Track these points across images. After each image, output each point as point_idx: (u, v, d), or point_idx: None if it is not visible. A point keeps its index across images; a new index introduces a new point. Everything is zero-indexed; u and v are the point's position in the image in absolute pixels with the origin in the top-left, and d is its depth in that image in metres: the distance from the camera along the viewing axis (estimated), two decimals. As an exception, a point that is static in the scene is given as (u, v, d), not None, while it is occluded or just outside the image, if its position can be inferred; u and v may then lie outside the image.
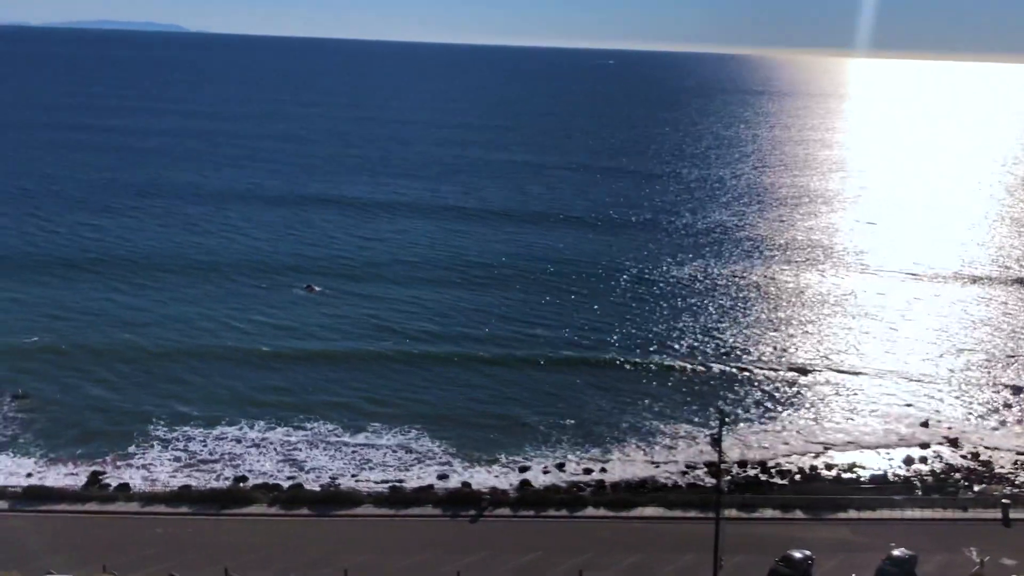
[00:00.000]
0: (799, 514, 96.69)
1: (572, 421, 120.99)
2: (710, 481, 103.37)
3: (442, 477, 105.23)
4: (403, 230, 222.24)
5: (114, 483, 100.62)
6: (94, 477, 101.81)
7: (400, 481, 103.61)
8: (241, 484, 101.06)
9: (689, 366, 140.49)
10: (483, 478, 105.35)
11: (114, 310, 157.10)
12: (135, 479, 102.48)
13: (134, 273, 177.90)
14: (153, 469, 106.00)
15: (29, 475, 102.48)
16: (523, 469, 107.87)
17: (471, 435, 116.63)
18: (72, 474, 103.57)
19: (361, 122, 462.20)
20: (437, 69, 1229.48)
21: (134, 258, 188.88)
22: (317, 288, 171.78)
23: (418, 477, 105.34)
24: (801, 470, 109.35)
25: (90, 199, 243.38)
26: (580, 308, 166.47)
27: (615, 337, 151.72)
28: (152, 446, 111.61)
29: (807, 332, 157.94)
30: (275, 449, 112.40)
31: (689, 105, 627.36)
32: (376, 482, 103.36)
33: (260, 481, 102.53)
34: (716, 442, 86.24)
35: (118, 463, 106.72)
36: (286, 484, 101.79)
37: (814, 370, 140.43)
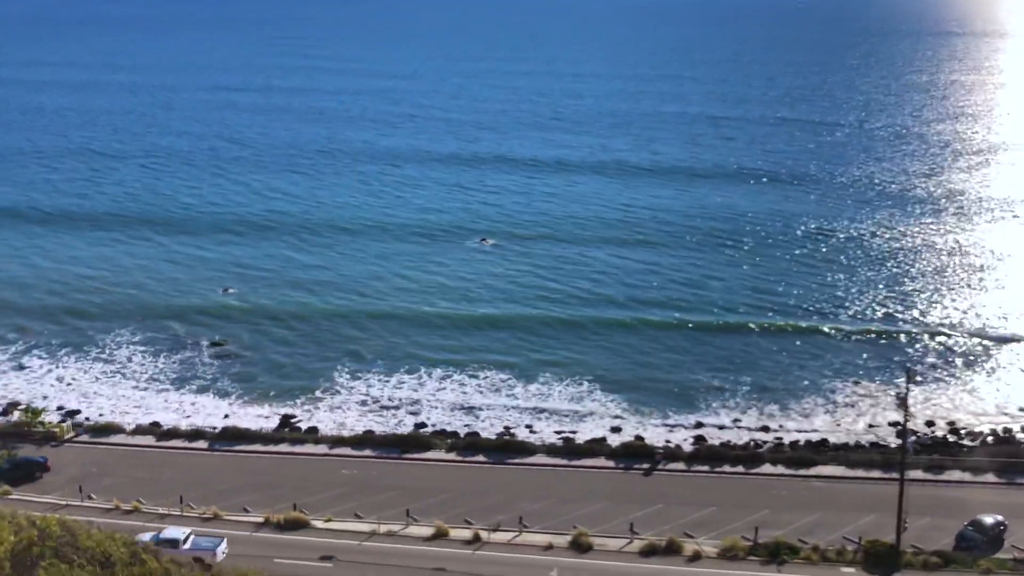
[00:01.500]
0: (990, 478, 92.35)
1: (748, 378, 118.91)
2: (894, 441, 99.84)
3: (615, 430, 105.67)
4: (573, 187, 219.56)
5: (304, 426, 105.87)
6: (285, 420, 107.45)
7: (573, 432, 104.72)
8: (421, 430, 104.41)
9: (872, 326, 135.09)
10: (656, 432, 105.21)
11: (293, 269, 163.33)
12: (323, 423, 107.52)
13: (313, 233, 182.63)
14: (338, 414, 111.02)
15: (226, 416, 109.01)
16: (697, 425, 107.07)
17: (643, 391, 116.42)
18: (264, 416, 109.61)
19: (531, 76, 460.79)
20: (609, 16, 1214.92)
21: (312, 217, 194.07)
22: (490, 241, 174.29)
23: (591, 430, 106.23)
24: (994, 432, 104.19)
25: (272, 160, 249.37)
26: (756, 266, 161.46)
27: (792, 295, 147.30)
28: (337, 392, 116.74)
29: (1000, 292, 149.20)
30: (451, 399, 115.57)
31: (880, 48, 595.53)
32: (549, 433, 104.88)
33: (438, 428, 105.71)
34: (902, 401, 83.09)
35: (306, 407, 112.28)
36: (463, 432, 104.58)
37: (1009, 334, 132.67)
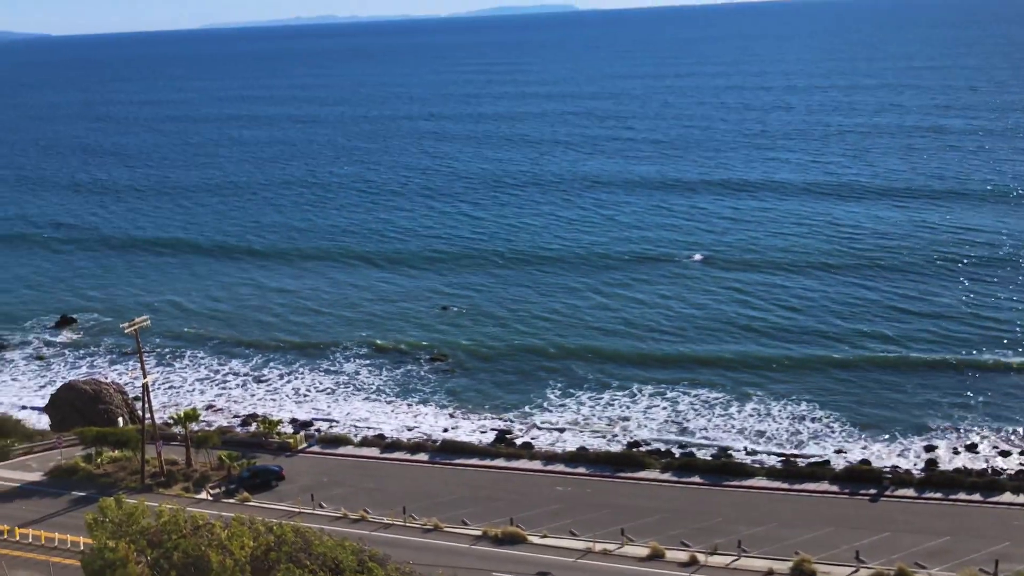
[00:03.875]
0: None
1: (981, 400, 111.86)
2: None
3: (839, 453, 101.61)
4: (783, 205, 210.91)
5: (519, 441, 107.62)
6: (501, 435, 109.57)
7: (794, 454, 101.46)
8: (634, 449, 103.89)
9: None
10: (883, 456, 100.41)
11: (504, 290, 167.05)
12: (537, 439, 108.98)
13: (523, 257, 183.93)
14: (553, 429, 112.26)
15: (445, 430, 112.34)
16: (928, 448, 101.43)
17: (868, 412, 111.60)
18: (481, 431, 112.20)
19: (740, 90, 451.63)
20: (822, 24, 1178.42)
21: (520, 241, 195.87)
22: (699, 257, 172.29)
23: (812, 452, 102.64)
24: None
25: (481, 186, 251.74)
26: (988, 291, 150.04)
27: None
28: (550, 409, 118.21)
29: None
30: (664, 418, 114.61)
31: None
32: (769, 454, 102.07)
33: (652, 447, 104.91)
34: None
35: (521, 423, 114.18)
36: (678, 451, 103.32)
37: None
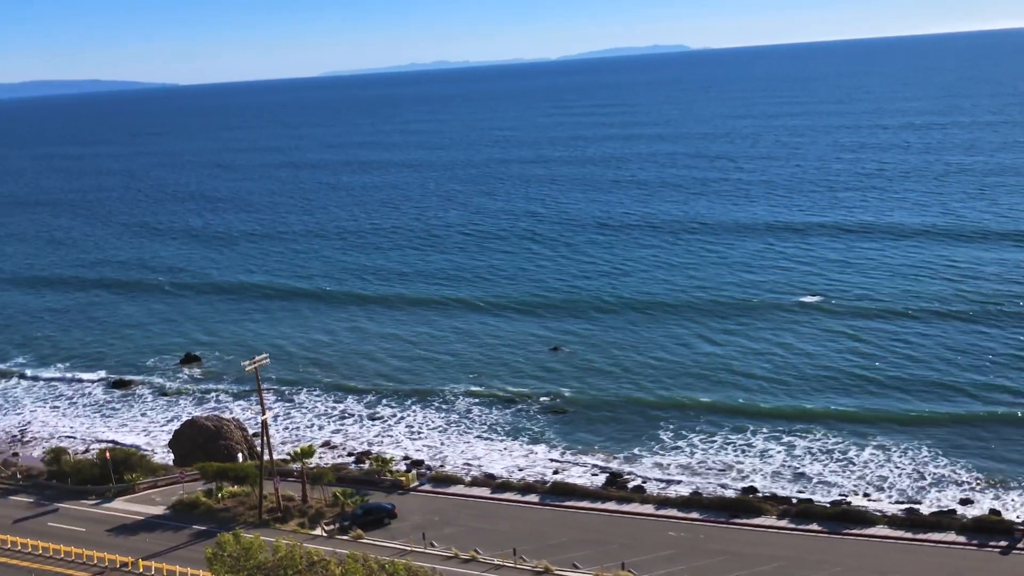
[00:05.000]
0: None
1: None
2: None
3: (965, 503, 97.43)
4: (897, 249, 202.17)
5: (631, 484, 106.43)
6: (612, 478, 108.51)
7: (917, 503, 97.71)
8: (750, 495, 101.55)
9: None
10: (1015, 507, 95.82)
11: (613, 332, 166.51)
12: (649, 482, 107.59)
13: (628, 302, 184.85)
14: (664, 472, 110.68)
15: (555, 472, 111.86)
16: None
17: (996, 462, 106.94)
18: (592, 473, 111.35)
19: (854, 130, 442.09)
20: (939, 60, 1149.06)
21: (625, 286, 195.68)
22: (812, 298, 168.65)
23: (937, 500, 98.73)
24: None
25: (574, 233, 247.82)
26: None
27: None
28: (662, 452, 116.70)
29: None
30: (780, 461, 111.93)
31: None
32: (890, 502, 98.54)
33: (768, 493, 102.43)
34: None
35: (632, 465, 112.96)
36: (795, 497, 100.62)
37: None
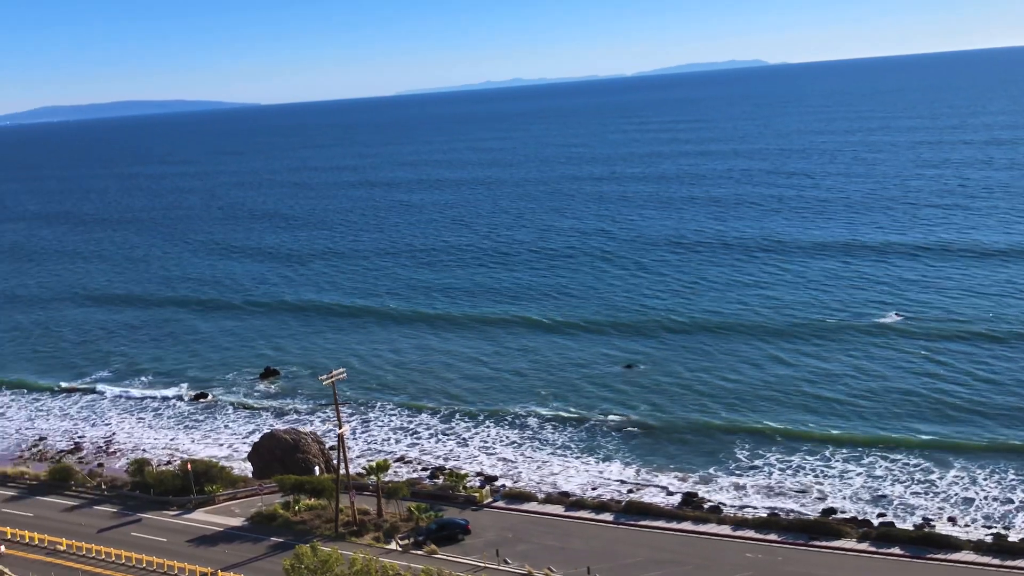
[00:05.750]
0: None
1: None
2: None
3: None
4: (980, 270, 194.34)
5: (706, 504, 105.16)
6: (687, 497, 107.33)
7: (1005, 528, 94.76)
8: (829, 516, 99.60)
9: None
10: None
11: (689, 351, 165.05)
12: (725, 502, 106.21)
13: (703, 322, 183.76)
14: (740, 493, 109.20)
15: (629, 491, 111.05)
16: None
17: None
18: (667, 492, 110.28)
19: (936, 146, 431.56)
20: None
21: (700, 306, 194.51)
22: (895, 316, 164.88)
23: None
24: None
25: (646, 251, 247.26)
26: None
27: None
28: (739, 471, 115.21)
29: None
30: (860, 483, 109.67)
31: None
32: (977, 527, 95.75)
33: (848, 515, 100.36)
34: None
35: (708, 485, 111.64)
36: (875, 520, 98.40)
37: None
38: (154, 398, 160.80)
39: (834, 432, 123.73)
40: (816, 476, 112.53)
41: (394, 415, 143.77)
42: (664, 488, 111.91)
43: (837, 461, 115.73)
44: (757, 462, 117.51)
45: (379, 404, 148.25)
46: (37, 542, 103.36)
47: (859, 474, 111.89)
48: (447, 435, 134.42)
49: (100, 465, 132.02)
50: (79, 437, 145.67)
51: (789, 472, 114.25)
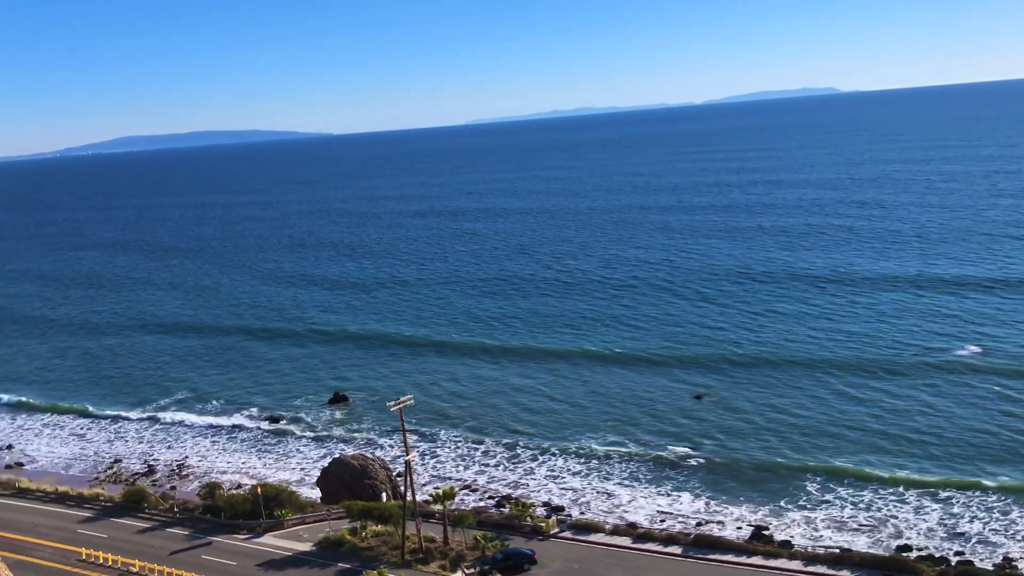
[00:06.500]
0: None
1: None
2: None
3: None
4: None
5: (777, 538, 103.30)
6: (757, 531, 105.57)
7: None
8: (904, 553, 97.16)
9: None
10: None
11: (758, 384, 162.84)
12: (795, 536, 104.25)
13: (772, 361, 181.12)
14: (812, 527, 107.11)
15: (698, 524, 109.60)
16: None
17: None
18: (736, 526, 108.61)
19: (1012, 175, 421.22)
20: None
21: (772, 341, 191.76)
22: (965, 360, 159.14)
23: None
24: None
25: (711, 282, 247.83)
26: None
27: None
28: (809, 505, 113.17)
29: None
30: (937, 518, 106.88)
31: None
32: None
33: (924, 552, 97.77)
34: None
35: (778, 518, 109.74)
36: (953, 558, 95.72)
37: None
38: (226, 423, 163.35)
39: (904, 473, 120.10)
40: (889, 511, 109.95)
41: (459, 443, 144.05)
42: (734, 521, 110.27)
43: (911, 497, 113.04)
44: (828, 496, 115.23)
45: (443, 432, 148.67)
46: (111, 563, 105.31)
47: (934, 510, 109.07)
48: (512, 464, 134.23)
49: (173, 488, 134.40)
50: (153, 460, 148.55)
51: (862, 507, 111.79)
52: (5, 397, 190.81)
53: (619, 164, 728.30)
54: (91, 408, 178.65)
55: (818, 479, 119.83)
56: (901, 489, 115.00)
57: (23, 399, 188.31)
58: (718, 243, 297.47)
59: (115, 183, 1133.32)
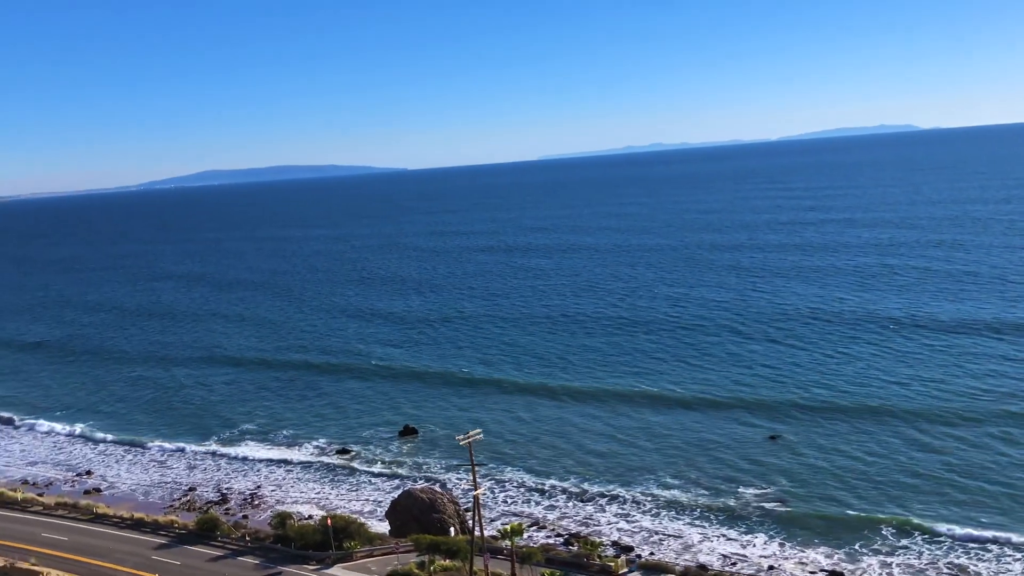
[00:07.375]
0: None
1: None
2: None
3: None
4: None
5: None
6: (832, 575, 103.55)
7: None
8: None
9: None
10: None
11: (834, 425, 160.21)
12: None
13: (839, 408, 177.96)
14: (888, 573, 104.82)
15: (770, 568, 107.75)
16: None
17: None
18: (810, 570, 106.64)
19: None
20: None
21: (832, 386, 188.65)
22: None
23: None
24: None
25: (779, 325, 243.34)
26: None
27: None
28: (884, 550, 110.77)
29: None
30: (1020, 568, 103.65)
31: None
32: None
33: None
34: None
35: (854, 563, 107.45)
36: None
37: None
38: (297, 454, 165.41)
39: (985, 524, 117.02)
40: (971, 558, 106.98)
41: (526, 480, 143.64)
42: (808, 564, 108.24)
43: (992, 545, 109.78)
44: (904, 541, 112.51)
45: (508, 469, 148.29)
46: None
47: (1018, 560, 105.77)
48: (579, 503, 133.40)
49: (245, 517, 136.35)
50: (227, 488, 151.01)
51: (940, 553, 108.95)
52: (85, 425, 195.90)
53: (691, 200, 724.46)
54: (167, 437, 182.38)
55: (892, 527, 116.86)
56: (983, 536, 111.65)
57: (101, 427, 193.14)
58: (790, 283, 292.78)
59: (194, 216, 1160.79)
